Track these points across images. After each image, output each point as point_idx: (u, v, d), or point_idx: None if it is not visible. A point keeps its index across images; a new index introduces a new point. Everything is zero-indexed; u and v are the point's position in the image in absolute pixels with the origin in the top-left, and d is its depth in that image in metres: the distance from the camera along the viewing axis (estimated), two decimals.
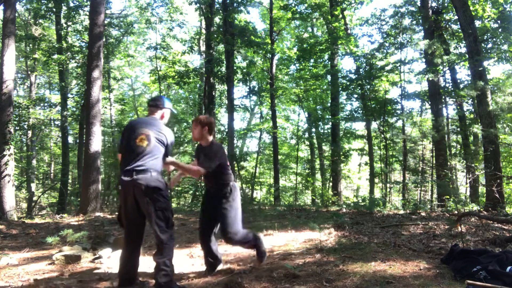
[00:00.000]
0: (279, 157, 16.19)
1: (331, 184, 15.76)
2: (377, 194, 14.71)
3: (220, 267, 3.74)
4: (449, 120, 13.84)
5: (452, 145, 14.21)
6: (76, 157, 16.45)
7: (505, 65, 14.32)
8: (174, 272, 3.19)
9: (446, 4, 12.45)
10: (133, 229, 3.23)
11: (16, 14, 10.50)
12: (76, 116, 15.33)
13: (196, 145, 3.87)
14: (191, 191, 15.76)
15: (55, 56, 14.39)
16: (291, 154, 20.16)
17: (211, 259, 3.68)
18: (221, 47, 15.01)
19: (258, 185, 18.13)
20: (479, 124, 8.62)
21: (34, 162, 18.79)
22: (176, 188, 16.17)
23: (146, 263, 4.24)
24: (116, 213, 3.46)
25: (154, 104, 3.40)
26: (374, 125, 14.57)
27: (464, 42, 10.13)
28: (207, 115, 4.00)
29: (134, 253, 3.25)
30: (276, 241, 5.11)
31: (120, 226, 3.36)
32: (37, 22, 15.38)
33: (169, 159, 3.37)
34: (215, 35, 13.15)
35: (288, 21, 16.55)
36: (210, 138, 3.60)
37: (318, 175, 18.76)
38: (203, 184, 14.58)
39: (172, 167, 3.76)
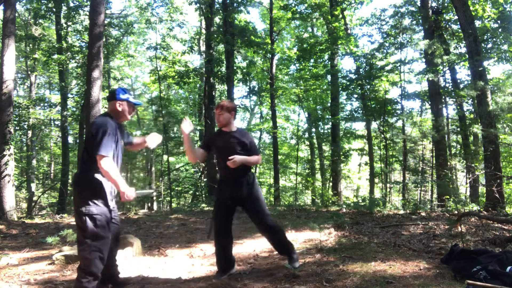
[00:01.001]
0: (279, 157, 16.19)
1: (331, 184, 15.76)
2: (377, 194, 14.71)
3: (233, 271, 3.60)
4: (449, 120, 13.84)
5: (452, 145, 14.21)
6: (76, 157, 16.45)
7: (505, 65, 14.35)
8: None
9: (446, 4, 12.44)
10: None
11: (16, 14, 10.50)
12: (76, 116, 15.32)
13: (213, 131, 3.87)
14: (191, 191, 15.77)
15: (55, 56, 14.39)
16: (291, 154, 20.17)
17: (226, 261, 3.53)
18: (221, 47, 15.01)
19: (258, 185, 18.11)
20: (479, 124, 8.61)
21: (34, 162, 18.79)
22: (176, 188, 16.20)
23: (146, 263, 4.25)
24: None
25: (107, 98, 3.20)
26: (374, 125, 14.57)
27: (464, 42, 10.12)
28: (229, 100, 3.90)
29: (115, 254, 3.24)
30: None
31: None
32: (37, 22, 15.37)
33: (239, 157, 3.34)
34: (215, 35, 13.15)
35: (288, 21, 16.55)
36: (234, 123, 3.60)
37: (318, 175, 18.76)
38: (203, 184, 14.66)
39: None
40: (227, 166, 3.30)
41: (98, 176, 2.91)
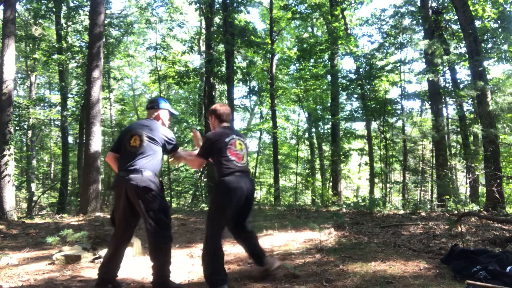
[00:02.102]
0: (279, 157, 16.20)
1: (331, 184, 15.76)
2: (377, 194, 14.71)
3: (274, 263, 3.43)
4: (449, 120, 13.83)
5: (452, 145, 14.21)
6: (76, 157, 16.46)
7: (505, 65, 14.34)
8: (170, 273, 3.15)
9: (446, 4, 12.45)
10: (121, 229, 3.20)
11: (16, 14, 10.49)
12: (76, 116, 15.33)
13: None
14: (191, 191, 15.77)
15: (55, 56, 14.39)
16: (291, 154, 20.17)
17: (254, 255, 3.44)
18: (221, 47, 15.01)
19: (258, 185, 18.14)
20: (479, 124, 8.62)
21: (34, 162, 18.79)
22: (176, 188, 16.20)
23: (146, 263, 4.25)
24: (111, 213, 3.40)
25: (150, 106, 3.48)
26: (374, 125, 14.57)
27: (464, 42, 10.12)
28: (221, 103, 3.74)
29: (117, 253, 3.22)
30: (276, 241, 5.11)
31: (112, 226, 3.33)
32: (37, 22, 15.38)
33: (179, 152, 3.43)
34: (215, 35, 13.15)
35: (288, 21, 16.55)
36: (221, 125, 3.42)
37: (318, 175, 18.76)
38: (203, 184, 14.66)
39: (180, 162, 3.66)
40: None
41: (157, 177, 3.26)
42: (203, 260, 3.13)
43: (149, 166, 3.10)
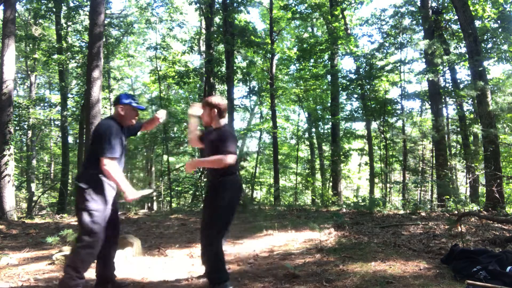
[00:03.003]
0: (279, 157, 16.19)
1: (331, 184, 15.75)
2: (377, 194, 14.71)
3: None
4: (449, 120, 13.83)
5: (452, 145, 14.20)
6: (76, 157, 16.45)
7: (505, 65, 14.33)
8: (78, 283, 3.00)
9: (446, 4, 12.44)
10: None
11: (16, 14, 10.49)
12: (76, 116, 15.32)
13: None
14: (191, 191, 15.76)
15: (55, 56, 14.39)
16: (291, 154, 20.16)
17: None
18: (221, 47, 15.00)
19: (258, 185, 18.13)
20: (479, 124, 8.61)
21: (34, 162, 18.78)
22: (176, 188, 16.20)
23: (146, 263, 4.25)
24: None
25: (113, 103, 3.39)
26: (374, 125, 14.56)
27: (464, 42, 10.12)
28: (217, 96, 3.56)
29: (104, 252, 3.22)
30: (276, 241, 5.11)
31: None
32: (37, 22, 15.37)
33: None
34: (215, 35, 13.14)
35: (288, 21, 16.54)
36: (221, 121, 3.33)
37: (318, 175, 18.75)
38: (203, 184, 14.65)
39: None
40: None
41: (101, 175, 3.00)
42: (208, 259, 3.10)
43: (88, 164, 3.12)
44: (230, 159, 3.04)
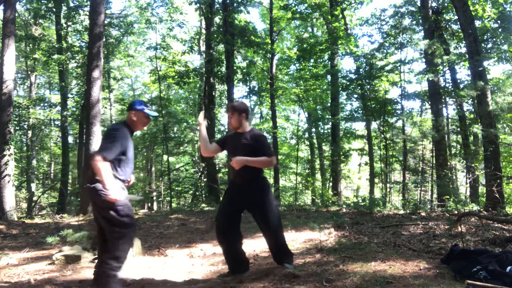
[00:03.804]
0: (279, 157, 16.19)
1: (331, 184, 15.76)
2: (377, 194, 14.71)
3: (244, 274, 3.51)
4: (449, 120, 13.83)
5: (452, 145, 14.20)
6: (76, 157, 16.45)
7: (505, 65, 14.32)
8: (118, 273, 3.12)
9: (446, 4, 12.44)
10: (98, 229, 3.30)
11: (16, 14, 10.50)
12: (76, 116, 15.32)
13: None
14: (191, 191, 15.76)
15: (55, 56, 14.39)
16: (291, 154, 20.16)
17: (235, 262, 3.51)
18: (221, 47, 15.01)
19: None
20: (479, 124, 8.61)
21: (34, 162, 18.79)
22: (176, 188, 16.20)
23: (146, 263, 4.25)
24: None
25: (127, 108, 3.50)
26: (374, 125, 14.57)
27: (464, 42, 10.12)
28: (241, 101, 3.88)
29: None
30: None
31: None
32: (37, 22, 15.37)
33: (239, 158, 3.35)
34: (215, 35, 13.15)
35: (288, 21, 16.54)
36: (247, 124, 3.55)
37: (318, 175, 18.76)
38: (203, 184, 14.65)
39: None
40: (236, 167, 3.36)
41: (116, 176, 3.13)
42: (284, 247, 3.54)
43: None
44: (275, 160, 3.45)
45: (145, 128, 3.42)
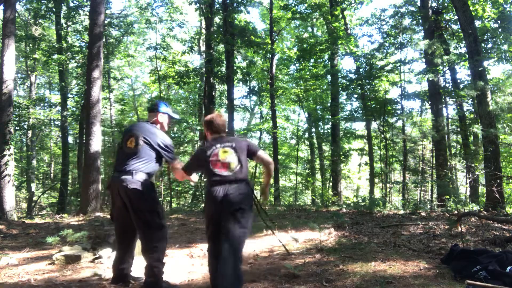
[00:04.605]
0: (279, 157, 16.19)
1: (331, 184, 15.75)
2: (377, 194, 14.71)
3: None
4: (449, 120, 13.83)
5: (452, 145, 14.20)
6: (76, 157, 16.45)
7: (505, 65, 14.33)
8: (163, 273, 3.21)
9: (446, 4, 12.44)
10: (121, 229, 3.32)
11: (16, 14, 10.50)
12: (76, 116, 15.33)
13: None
14: (191, 191, 15.76)
15: (55, 56, 14.39)
16: (291, 154, 20.16)
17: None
18: (221, 47, 15.01)
19: (258, 185, 18.12)
20: (479, 124, 8.61)
21: (34, 162, 18.78)
22: (176, 188, 16.19)
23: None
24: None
25: (150, 108, 3.54)
26: (374, 125, 14.57)
27: (464, 42, 10.12)
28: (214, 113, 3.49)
29: (125, 252, 3.34)
30: (276, 241, 5.10)
31: (111, 219, 3.48)
32: (37, 22, 15.37)
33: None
34: (215, 35, 13.15)
35: (288, 21, 16.54)
36: (212, 136, 3.26)
37: (318, 175, 18.76)
38: (203, 184, 14.64)
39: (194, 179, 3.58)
40: None
41: (151, 179, 3.28)
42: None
43: (142, 168, 3.15)
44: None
45: (167, 129, 3.52)
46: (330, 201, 12.27)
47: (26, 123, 15.79)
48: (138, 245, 4.60)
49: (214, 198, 2.97)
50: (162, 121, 3.39)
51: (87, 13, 12.64)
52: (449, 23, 12.66)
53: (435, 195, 13.04)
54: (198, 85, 17.77)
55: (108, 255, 4.27)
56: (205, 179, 14.87)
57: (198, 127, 16.29)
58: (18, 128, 14.57)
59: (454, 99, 12.57)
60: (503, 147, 11.68)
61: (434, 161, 12.62)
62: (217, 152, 3.07)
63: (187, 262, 4.29)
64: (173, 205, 14.91)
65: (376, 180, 14.78)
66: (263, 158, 3.20)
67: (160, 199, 17.18)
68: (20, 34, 14.04)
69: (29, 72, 18.72)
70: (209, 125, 3.22)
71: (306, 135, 18.59)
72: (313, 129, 18.17)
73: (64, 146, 15.39)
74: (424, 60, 12.59)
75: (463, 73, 16.75)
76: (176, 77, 14.17)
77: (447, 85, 13.20)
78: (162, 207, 3.30)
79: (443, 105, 13.09)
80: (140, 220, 3.11)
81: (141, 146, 3.18)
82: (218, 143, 3.13)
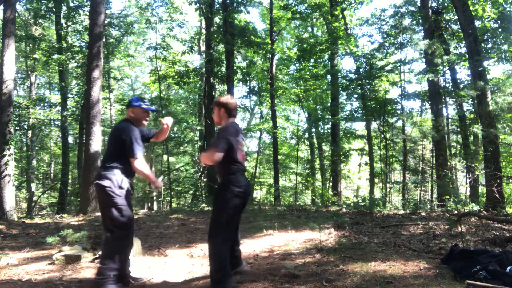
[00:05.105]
0: (279, 157, 16.19)
1: (331, 184, 15.76)
2: (377, 194, 14.71)
3: (240, 268, 3.55)
4: (449, 120, 13.83)
5: (452, 145, 14.20)
6: (76, 157, 16.46)
7: (505, 65, 14.34)
8: (112, 276, 3.11)
9: (446, 4, 12.44)
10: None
11: (16, 14, 10.49)
12: (76, 116, 15.33)
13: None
14: (191, 191, 15.76)
15: (55, 56, 14.39)
16: (291, 154, 20.16)
17: (233, 257, 3.49)
18: (221, 47, 15.01)
19: (258, 185, 18.14)
20: (479, 124, 8.61)
21: (34, 162, 18.78)
22: (176, 188, 16.19)
23: (146, 263, 4.25)
24: None
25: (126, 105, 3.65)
26: (374, 125, 14.57)
27: (464, 42, 10.12)
28: (225, 96, 3.49)
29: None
30: (276, 241, 5.11)
31: None
32: (37, 22, 15.37)
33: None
34: (215, 35, 13.15)
35: (288, 21, 16.54)
36: (229, 120, 3.28)
37: (318, 175, 18.75)
38: (203, 184, 14.67)
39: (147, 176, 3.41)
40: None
41: (121, 172, 3.24)
42: (213, 262, 3.25)
43: (108, 164, 3.23)
44: (215, 155, 3.01)
45: (145, 123, 3.47)
46: (330, 201, 12.27)
47: (26, 123, 15.79)
48: (137, 245, 4.62)
49: (245, 187, 3.13)
50: (134, 115, 3.38)
51: (87, 13, 12.64)
52: (449, 23, 12.66)
53: (435, 195, 13.04)
54: (198, 85, 17.78)
55: None
56: (204, 177, 14.75)
57: (198, 127, 16.30)
58: (18, 128, 14.57)
59: (454, 99, 12.57)
60: (503, 147, 11.69)
61: (434, 161, 12.62)
62: (241, 142, 3.23)
63: (187, 262, 4.29)
64: (173, 205, 14.92)
65: (376, 180, 14.78)
66: None
67: (160, 199, 17.23)
68: (20, 34, 14.04)
69: (29, 72, 18.72)
70: (232, 109, 3.28)
71: (306, 135, 18.59)
72: (313, 129, 18.17)
73: (64, 146, 15.39)
74: (424, 60, 12.59)
75: (463, 73, 16.77)
76: (176, 77, 14.17)
77: (447, 85, 13.21)
78: (126, 206, 3.19)
79: (443, 105, 13.09)
80: (105, 216, 3.21)
81: (109, 143, 3.37)
82: (240, 133, 3.26)
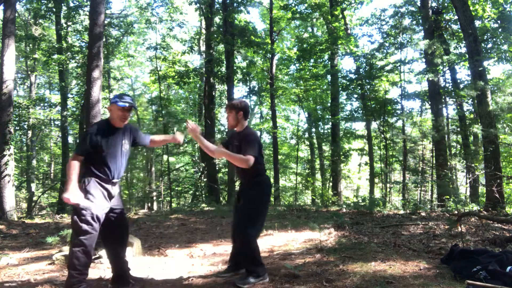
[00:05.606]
0: (279, 157, 16.20)
1: (331, 184, 15.76)
2: (377, 194, 14.71)
3: (242, 270, 3.53)
4: (449, 120, 13.83)
5: (452, 145, 14.20)
6: None
7: (505, 65, 14.34)
8: (76, 283, 2.97)
9: (446, 4, 12.45)
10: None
11: (16, 14, 10.49)
12: (76, 116, 15.32)
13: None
14: (191, 191, 15.77)
15: (55, 56, 14.38)
16: (291, 154, 20.17)
17: (235, 260, 3.56)
18: (221, 47, 15.02)
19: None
20: (479, 124, 8.61)
21: (34, 162, 18.78)
22: (176, 188, 16.19)
23: (146, 263, 4.25)
24: None
25: None
26: (374, 125, 14.57)
27: (464, 42, 10.12)
28: (240, 99, 3.73)
29: (113, 251, 3.32)
30: (276, 241, 5.11)
31: None
32: (37, 22, 15.37)
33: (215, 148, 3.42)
34: (215, 35, 13.15)
35: (288, 21, 16.54)
36: (245, 123, 3.47)
37: (318, 175, 18.76)
38: (203, 184, 14.66)
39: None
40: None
41: (88, 175, 3.07)
42: (248, 254, 3.27)
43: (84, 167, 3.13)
44: (250, 160, 3.17)
45: (125, 121, 3.23)
46: (330, 201, 12.28)
47: (26, 123, 15.79)
48: (137, 245, 4.62)
49: (271, 186, 3.53)
50: (110, 113, 3.22)
51: (87, 13, 12.63)
52: (449, 23, 12.66)
53: (435, 195, 13.04)
54: (198, 85, 17.78)
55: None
56: (204, 179, 14.76)
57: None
58: (18, 128, 14.57)
59: (454, 99, 12.57)
60: (503, 147, 11.68)
61: (434, 161, 12.62)
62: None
63: (187, 262, 4.29)
64: (173, 205, 14.92)
65: (376, 180, 14.78)
66: None
67: (160, 199, 17.24)
68: (20, 34, 14.03)
69: (29, 72, 18.71)
70: (248, 112, 3.52)
71: (306, 135, 18.59)
72: (313, 129, 18.17)
73: (64, 146, 15.38)
74: (424, 60, 12.59)
75: (463, 73, 16.78)
76: (176, 77, 14.17)
77: (447, 85, 13.21)
78: (82, 208, 2.94)
79: (443, 105, 13.09)
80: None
81: None
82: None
